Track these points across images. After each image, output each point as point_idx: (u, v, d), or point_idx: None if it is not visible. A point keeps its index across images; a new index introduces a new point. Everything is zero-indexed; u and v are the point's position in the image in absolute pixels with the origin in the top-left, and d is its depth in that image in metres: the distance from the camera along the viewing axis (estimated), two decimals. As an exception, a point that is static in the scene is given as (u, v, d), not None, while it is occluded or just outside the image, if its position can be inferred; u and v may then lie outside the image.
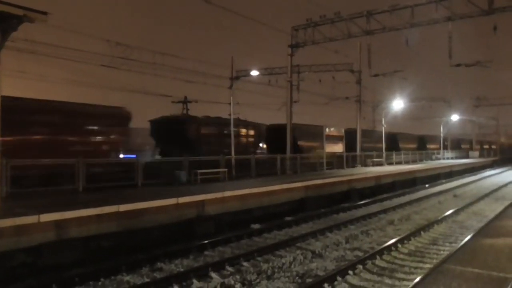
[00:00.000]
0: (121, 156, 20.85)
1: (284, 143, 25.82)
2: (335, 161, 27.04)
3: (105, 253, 9.65)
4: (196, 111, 38.43)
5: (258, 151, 31.67)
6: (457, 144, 61.33)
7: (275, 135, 29.95)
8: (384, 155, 33.67)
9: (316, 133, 28.95)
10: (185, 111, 40.46)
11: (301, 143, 29.91)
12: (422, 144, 52.18)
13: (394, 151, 37.27)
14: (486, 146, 74.54)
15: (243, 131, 28.96)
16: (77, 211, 9.15)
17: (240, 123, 28.61)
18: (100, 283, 8.09)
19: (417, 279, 6.28)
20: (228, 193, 13.13)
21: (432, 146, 53.89)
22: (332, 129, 27.29)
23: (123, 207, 10.00)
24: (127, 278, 8.38)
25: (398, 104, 35.38)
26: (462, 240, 10.33)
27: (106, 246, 9.84)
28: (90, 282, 8.04)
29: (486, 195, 21.66)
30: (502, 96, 57.34)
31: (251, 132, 29.53)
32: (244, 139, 28.82)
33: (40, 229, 8.49)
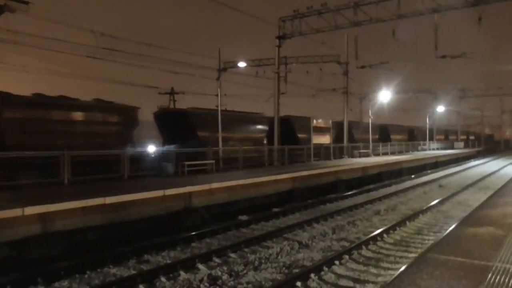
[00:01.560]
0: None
1: (181, 133, 22.27)
2: (323, 152, 27.10)
3: (91, 245, 9.59)
4: (184, 102, 38.15)
5: (154, 146, 21.13)
6: (431, 135, 56.18)
7: (171, 123, 24.23)
8: (371, 146, 33.91)
9: (229, 121, 24.13)
10: (172, 103, 40.21)
11: (202, 133, 23.96)
12: (384, 135, 45.57)
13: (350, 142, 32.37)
14: (463, 137, 70.48)
15: (97, 116, 20.80)
16: (62, 203, 9.06)
17: (93, 105, 20.98)
18: (86, 276, 8.04)
19: (402, 268, 6.36)
20: (215, 185, 13.11)
21: (396, 137, 47.89)
22: (319, 120, 27.35)
23: (109, 200, 9.92)
24: (113, 270, 8.35)
25: (385, 96, 35.57)
26: (446, 230, 10.48)
27: (92, 238, 9.78)
28: (76, 275, 7.98)
29: (471, 185, 22.00)
30: (486, 87, 58.12)
31: (113, 119, 21.52)
32: (100, 128, 20.82)
33: (24, 222, 8.40)
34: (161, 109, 25.10)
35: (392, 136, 47.03)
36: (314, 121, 26.22)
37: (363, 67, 28.85)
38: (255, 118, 26.70)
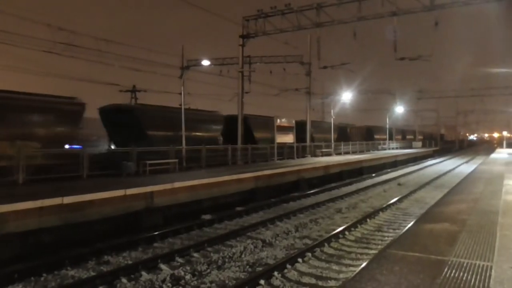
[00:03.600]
0: (67, 146, 16.85)
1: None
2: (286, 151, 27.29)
3: (48, 247, 9.23)
4: (146, 100, 37.33)
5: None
6: (370, 135, 53.18)
7: None
8: (332, 145, 34.49)
9: (44, 110, 15.75)
10: (133, 101, 39.36)
11: None
12: (305, 134, 32.85)
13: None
14: (410, 137, 69.82)
15: None
16: (16, 204, 8.67)
17: None
18: (42, 278, 7.73)
19: (363, 265, 6.51)
20: (177, 184, 12.94)
21: (318, 135, 38.22)
22: (283, 120, 27.52)
23: (67, 200, 9.59)
24: (71, 272, 8.07)
25: (345, 96, 36.29)
26: (405, 226, 10.85)
27: (49, 240, 9.41)
28: (32, 278, 7.67)
29: (427, 183, 22.81)
30: (442, 89, 60.42)
31: None
32: None
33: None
34: None
35: (314, 135, 36.53)
36: (278, 120, 26.37)
37: (325, 67, 29.24)
38: (56, 105, 16.69)
